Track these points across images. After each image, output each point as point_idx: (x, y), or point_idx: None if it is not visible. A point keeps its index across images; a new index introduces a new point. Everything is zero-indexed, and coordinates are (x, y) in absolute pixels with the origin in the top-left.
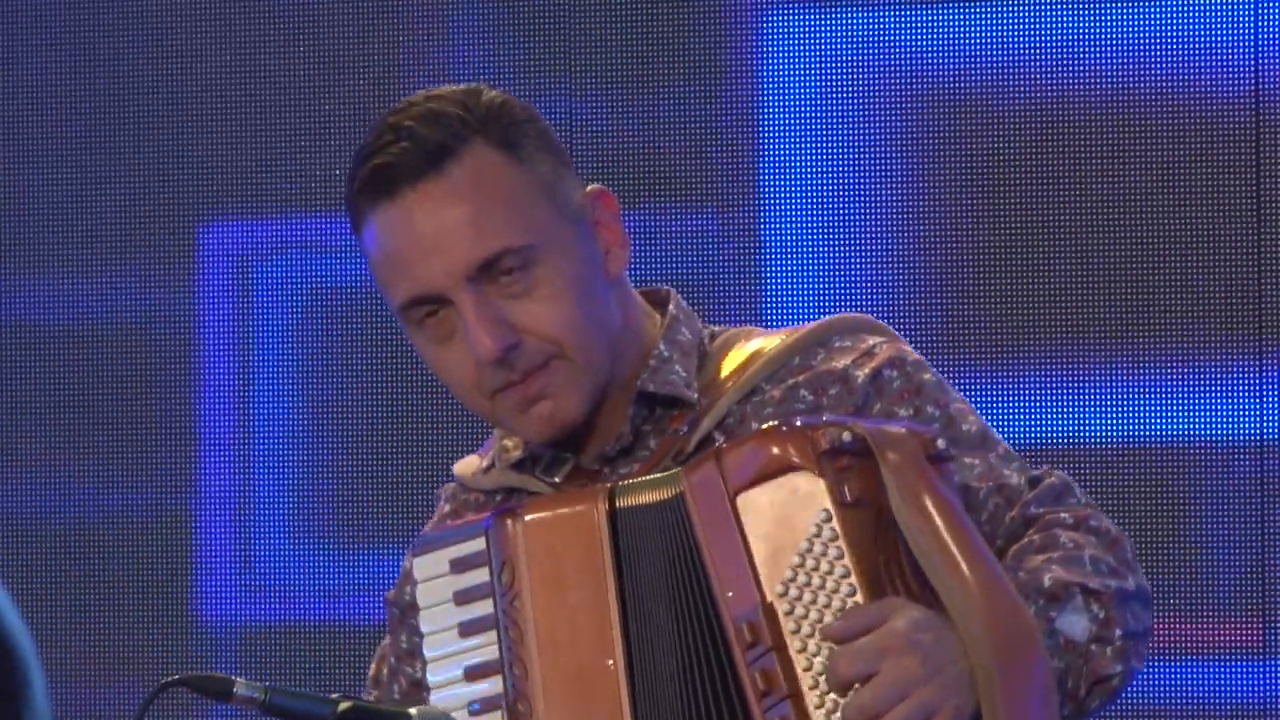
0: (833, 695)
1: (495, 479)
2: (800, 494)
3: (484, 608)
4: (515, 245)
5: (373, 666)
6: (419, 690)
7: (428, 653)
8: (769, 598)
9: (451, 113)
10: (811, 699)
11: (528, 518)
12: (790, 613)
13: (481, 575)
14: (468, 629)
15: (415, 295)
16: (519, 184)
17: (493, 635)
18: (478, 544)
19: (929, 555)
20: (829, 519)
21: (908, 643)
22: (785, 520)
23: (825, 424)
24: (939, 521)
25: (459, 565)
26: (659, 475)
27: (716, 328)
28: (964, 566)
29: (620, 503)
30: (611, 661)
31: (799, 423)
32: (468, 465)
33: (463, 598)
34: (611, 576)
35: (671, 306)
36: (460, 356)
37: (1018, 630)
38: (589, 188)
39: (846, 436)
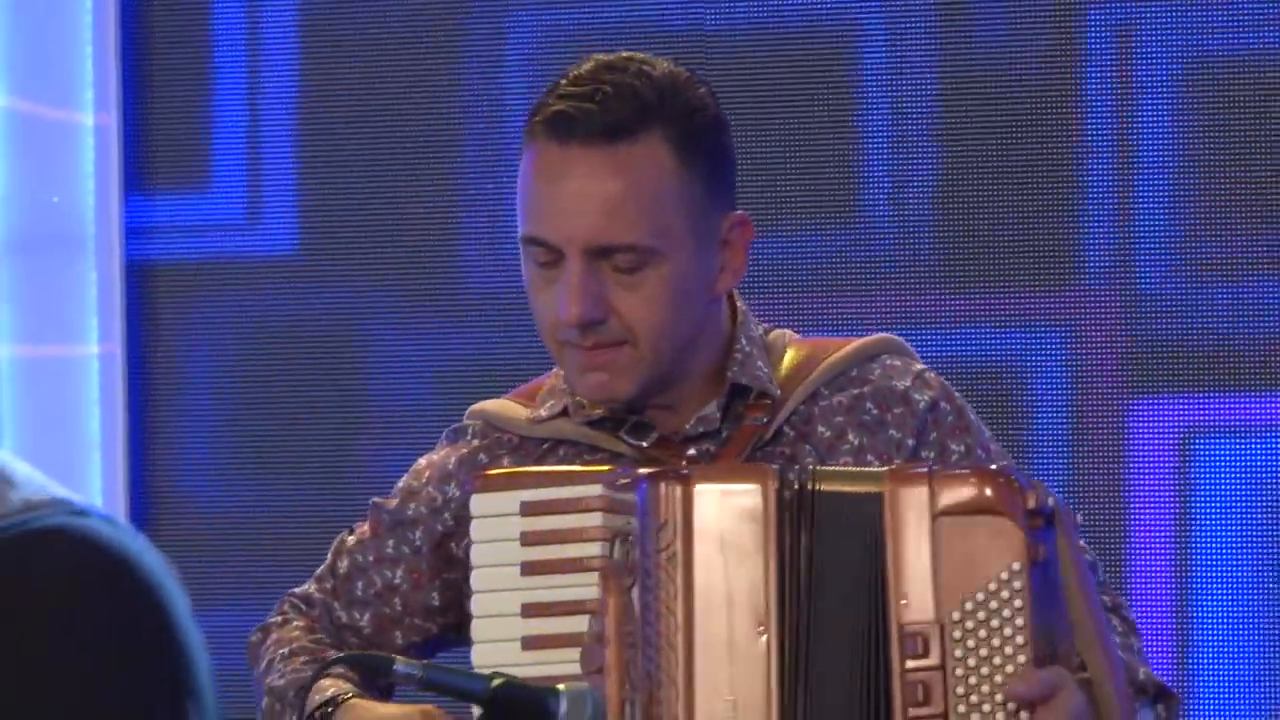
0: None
1: (554, 429)
2: (999, 540)
3: (557, 552)
4: (640, 244)
5: (330, 558)
6: (392, 594)
7: (478, 584)
8: (943, 619)
9: (648, 96)
10: None
11: (698, 486)
12: (959, 640)
13: (568, 521)
14: (530, 569)
15: (537, 238)
16: (671, 188)
17: (562, 579)
18: (589, 491)
19: (1082, 628)
20: (1019, 571)
21: (1067, 705)
22: (977, 558)
23: (1033, 484)
24: (1086, 601)
25: (537, 509)
26: (858, 470)
27: (758, 323)
28: (1103, 647)
29: (801, 485)
30: (763, 631)
31: (1010, 473)
32: (506, 408)
33: (532, 539)
34: (774, 552)
35: (739, 301)
36: (551, 301)
37: (1129, 715)
38: (735, 213)
39: (1050, 501)
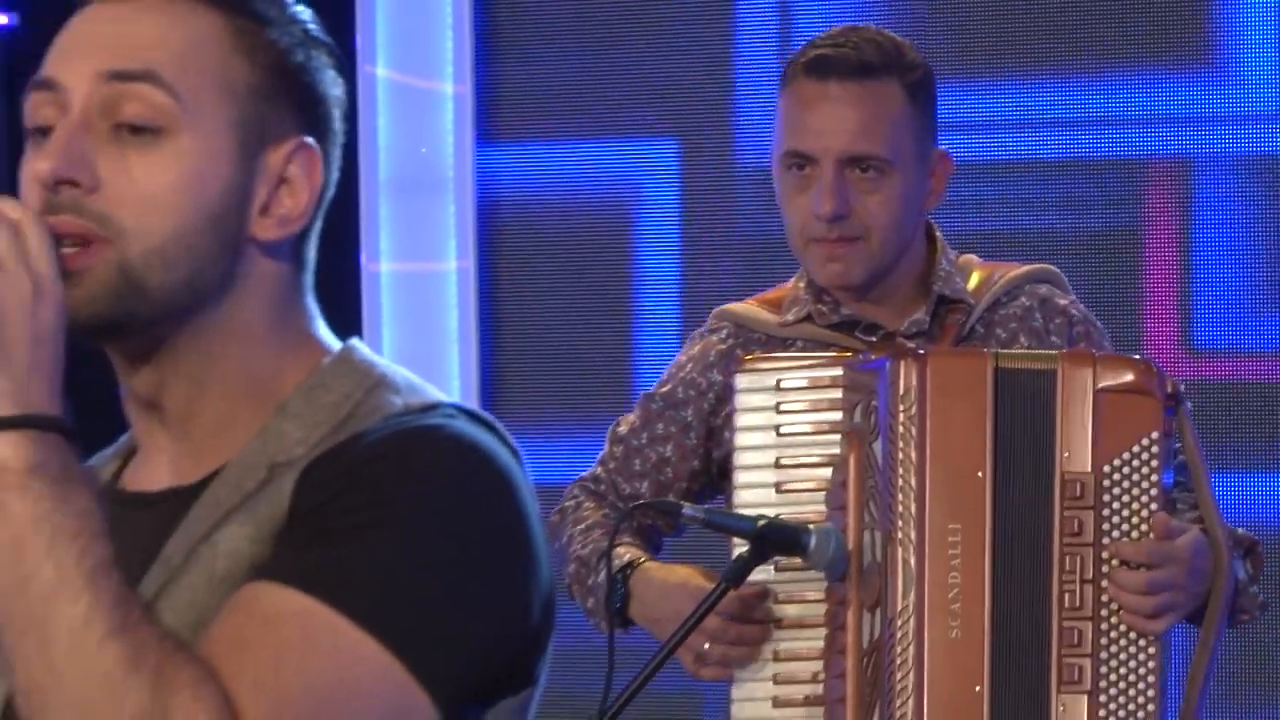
0: (1118, 562)
1: (799, 330)
2: (1143, 414)
3: (807, 419)
4: (882, 156)
5: (607, 445)
6: (665, 465)
7: (741, 443)
8: (1097, 471)
9: (887, 48)
10: (1103, 553)
11: (933, 362)
12: (1108, 488)
13: (816, 395)
14: (784, 433)
15: (798, 150)
16: (905, 120)
17: (811, 439)
18: (831, 373)
19: (1199, 484)
20: (1155, 441)
21: (1188, 556)
22: (1125, 427)
23: (1167, 374)
24: (1200, 463)
25: (790, 386)
26: (1040, 353)
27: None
28: (1212, 500)
29: (1002, 364)
30: (981, 473)
31: (1154, 364)
32: (754, 311)
33: (786, 409)
34: (990, 411)
35: (937, 231)
36: (803, 204)
37: (1228, 563)
38: (939, 149)
39: (1182, 388)
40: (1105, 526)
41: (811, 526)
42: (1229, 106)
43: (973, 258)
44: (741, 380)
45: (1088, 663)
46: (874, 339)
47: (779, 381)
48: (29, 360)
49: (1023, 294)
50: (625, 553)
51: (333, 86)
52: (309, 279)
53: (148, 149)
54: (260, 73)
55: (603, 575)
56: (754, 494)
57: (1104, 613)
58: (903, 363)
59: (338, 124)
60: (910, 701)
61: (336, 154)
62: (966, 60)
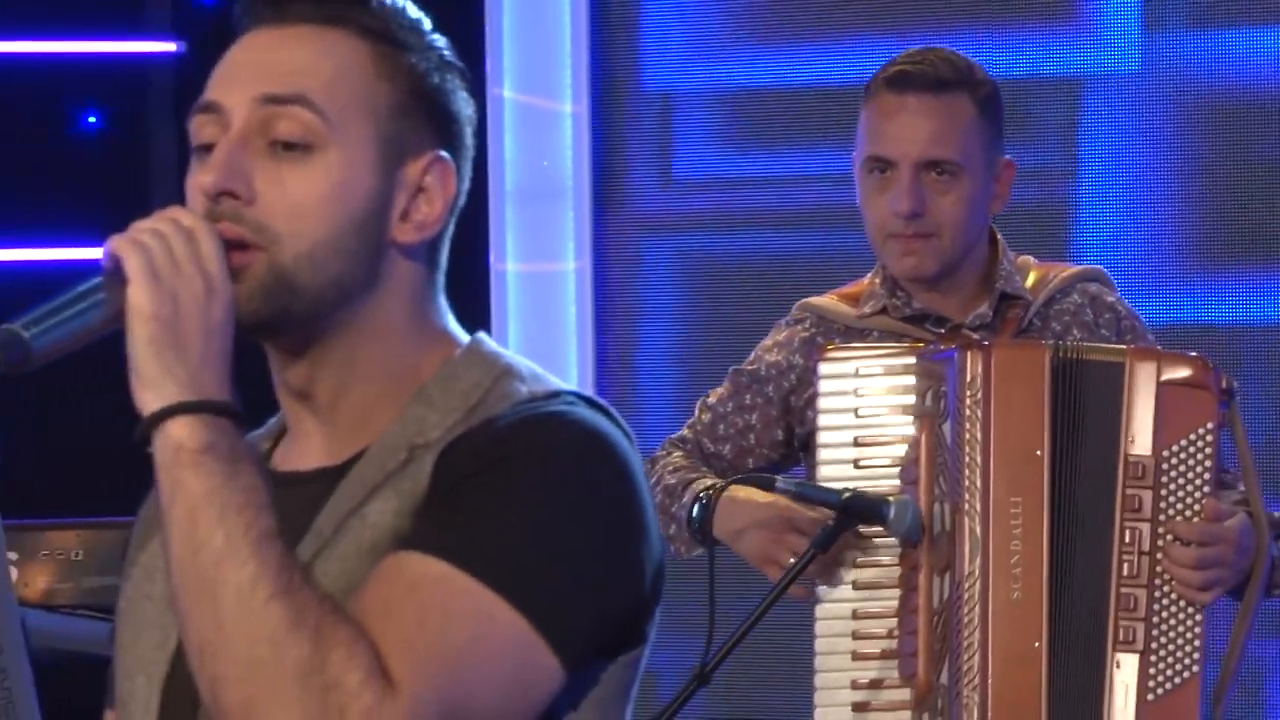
0: (1172, 538)
1: (874, 322)
2: (1200, 406)
3: (882, 402)
4: (954, 160)
5: (697, 411)
6: (748, 431)
7: (823, 424)
8: (1157, 455)
9: (960, 65)
10: (1159, 529)
11: (997, 352)
12: (1165, 471)
13: (898, 379)
14: (861, 415)
15: (879, 155)
16: (975, 130)
17: (886, 419)
18: (905, 361)
19: (1247, 477)
20: (1209, 431)
21: (1235, 537)
22: (1184, 417)
23: (1222, 372)
24: (1247, 452)
25: (868, 372)
26: (1108, 346)
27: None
28: (1257, 485)
29: (1063, 355)
30: (1040, 451)
31: (1210, 362)
32: (833, 304)
33: (863, 393)
34: (1048, 397)
35: (998, 234)
36: (883, 204)
37: (1268, 544)
38: (1004, 158)
39: (1236, 385)
40: (1162, 505)
41: (890, 499)
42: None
43: (1029, 259)
44: (824, 368)
45: (1141, 626)
46: (942, 330)
47: (858, 369)
48: (202, 352)
49: (1075, 292)
50: (708, 480)
51: (464, 106)
52: (441, 279)
53: (299, 163)
54: (400, 94)
55: (685, 499)
56: (834, 469)
57: (1157, 582)
58: (969, 353)
59: (469, 139)
60: (976, 656)
61: (467, 167)
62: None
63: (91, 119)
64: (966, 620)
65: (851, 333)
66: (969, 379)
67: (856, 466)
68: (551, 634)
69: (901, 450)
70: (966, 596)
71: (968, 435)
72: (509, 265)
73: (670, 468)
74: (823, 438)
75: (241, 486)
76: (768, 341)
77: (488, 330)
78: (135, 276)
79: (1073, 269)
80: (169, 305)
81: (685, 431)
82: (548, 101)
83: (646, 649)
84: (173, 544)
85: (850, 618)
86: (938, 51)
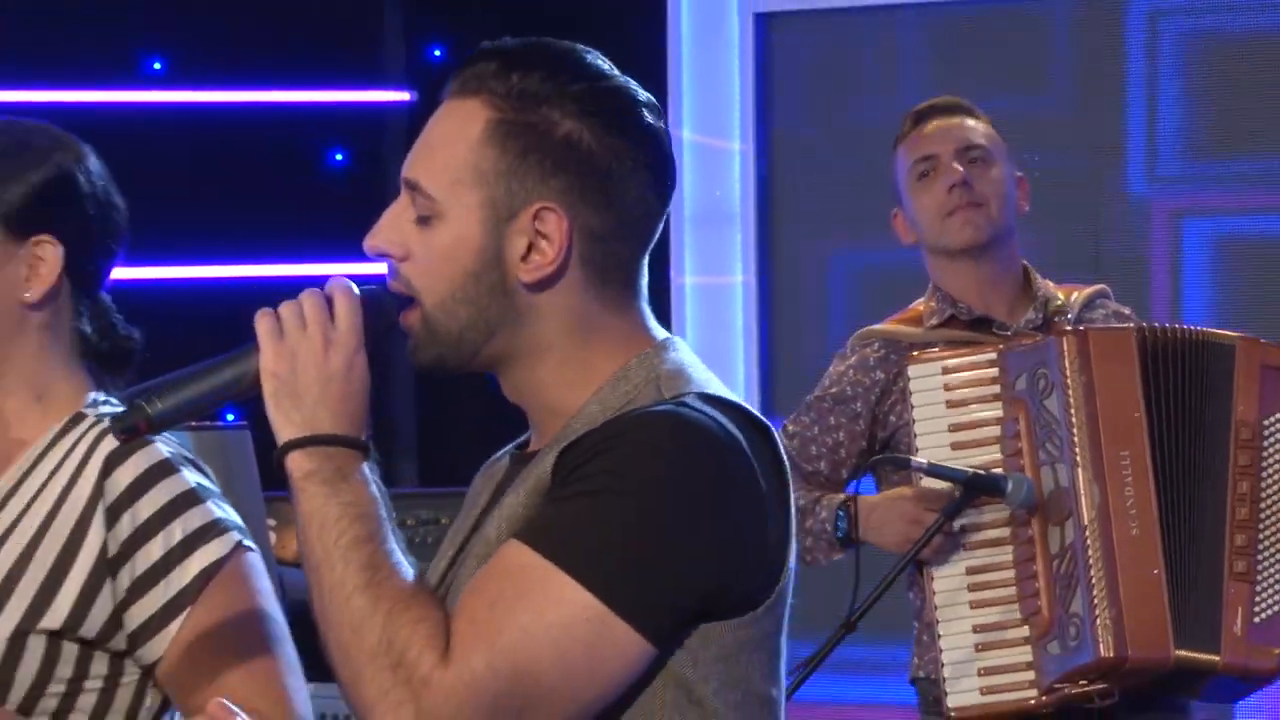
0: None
1: (940, 334)
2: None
3: (971, 393)
4: (985, 146)
5: (784, 441)
6: (838, 447)
7: (919, 416)
8: (1261, 421)
9: (971, 101)
10: (1262, 481)
11: (1091, 335)
12: (1267, 435)
13: (982, 372)
14: (953, 404)
15: (924, 154)
16: (997, 137)
17: (976, 407)
18: (986, 356)
19: None
20: None
21: None
22: (1273, 396)
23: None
24: None
25: (954, 369)
26: (1221, 332)
27: None
28: None
29: (1148, 336)
30: (1137, 413)
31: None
32: (894, 328)
33: (953, 386)
34: (1139, 368)
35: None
36: (936, 189)
37: None
38: (1020, 174)
39: None
40: (1265, 461)
41: (1007, 475)
42: None
43: (1048, 281)
44: (914, 369)
45: (1250, 561)
46: (1008, 333)
47: (944, 367)
48: (318, 396)
49: (1098, 305)
50: (839, 496)
51: (603, 150)
52: (613, 292)
53: (426, 231)
54: (511, 156)
55: (821, 515)
56: (933, 454)
57: (1261, 525)
58: (1066, 339)
59: (615, 179)
60: (1105, 584)
61: (609, 207)
62: None
63: (338, 157)
64: (1093, 558)
65: (918, 347)
66: (1069, 359)
67: (953, 449)
68: (626, 610)
69: (992, 430)
70: (1090, 537)
71: (1073, 404)
72: (687, 279)
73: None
74: (919, 428)
75: (339, 503)
76: (838, 369)
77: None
78: (263, 342)
79: (1090, 288)
80: (286, 363)
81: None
82: (720, 141)
83: (760, 610)
84: (300, 554)
85: (965, 574)
86: (948, 97)
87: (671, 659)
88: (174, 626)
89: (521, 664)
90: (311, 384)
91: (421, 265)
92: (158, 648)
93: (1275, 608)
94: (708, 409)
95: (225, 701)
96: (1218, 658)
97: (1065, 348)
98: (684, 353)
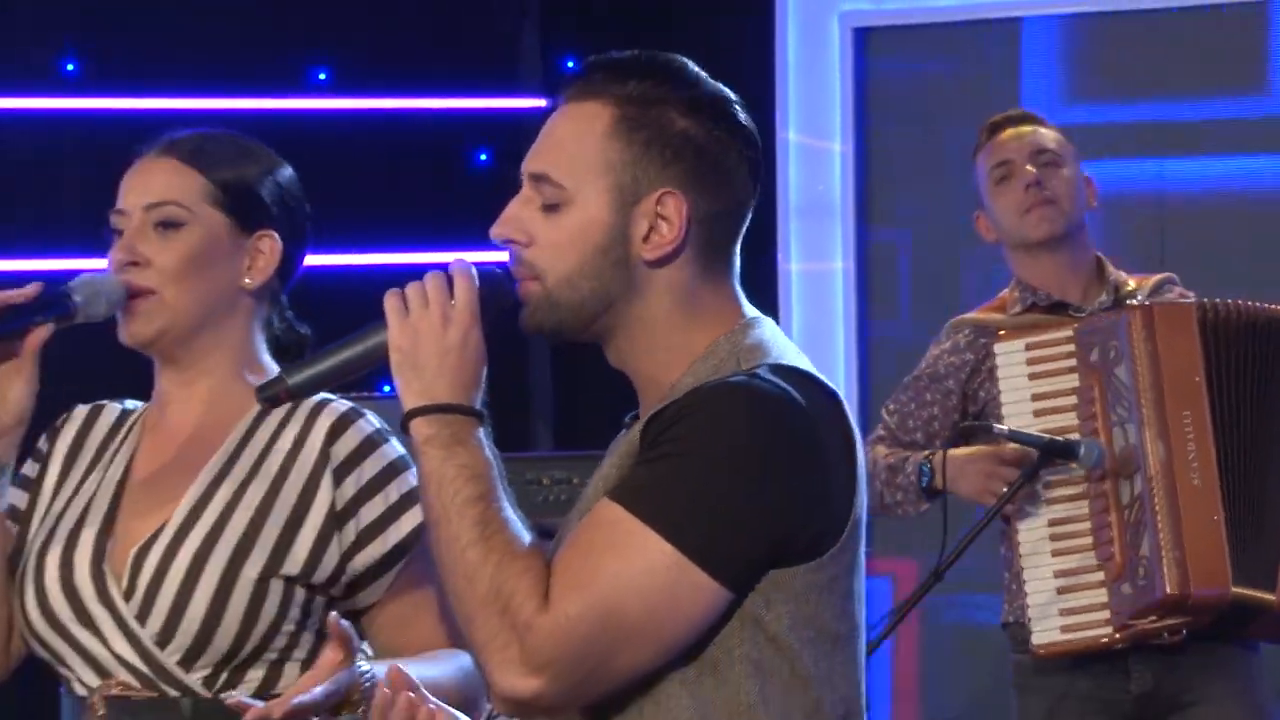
0: None
1: (1025, 319)
2: None
3: (1051, 365)
4: (1055, 150)
5: (884, 418)
6: (932, 420)
7: (1004, 387)
8: None
9: (1037, 115)
10: None
11: (1156, 309)
12: None
13: (1060, 348)
14: (1034, 376)
15: (1000, 160)
16: (1064, 140)
17: (1056, 378)
18: (1064, 334)
19: None
20: None
21: None
22: None
23: None
24: None
25: (1036, 345)
26: (1273, 306)
27: None
28: None
29: (1208, 310)
30: (1198, 378)
31: None
32: (984, 316)
33: (1034, 361)
34: (1199, 339)
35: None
36: (1014, 188)
37: None
38: (1087, 174)
39: None
40: None
41: (1080, 440)
42: None
43: (1119, 271)
44: (1000, 347)
45: None
46: (1083, 314)
47: (1026, 344)
48: (437, 368)
49: (1165, 290)
50: (924, 452)
51: (713, 143)
52: (715, 272)
53: (553, 216)
54: (637, 148)
55: (908, 470)
56: (1018, 421)
57: None
58: (1134, 314)
59: (724, 169)
60: (1170, 528)
61: (715, 191)
62: None
63: (482, 157)
64: (1159, 506)
65: (1003, 330)
66: (1136, 331)
67: (1035, 416)
68: (703, 559)
69: (1069, 399)
70: (1156, 487)
71: (1139, 371)
72: (792, 265)
73: (884, 455)
74: (1005, 399)
75: (455, 465)
76: (933, 352)
77: (777, 315)
78: (389, 319)
79: (1158, 275)
80: (409, 337)
81: (880, 432)
82: (821, 142)
83: (832, 557)
84: (422, 511)
85: (1047, 525)
86: (1020, 109)
87: (746, 601)
88: (389, 576)
89: (611, 608)
90: (431, 357)
91: (547, 247)
92: (374, 594)
93: None
94: (776, 379)
95: (403, 668)
96: (1273, 596)
97: (1133, 321)
98: (767, 329)
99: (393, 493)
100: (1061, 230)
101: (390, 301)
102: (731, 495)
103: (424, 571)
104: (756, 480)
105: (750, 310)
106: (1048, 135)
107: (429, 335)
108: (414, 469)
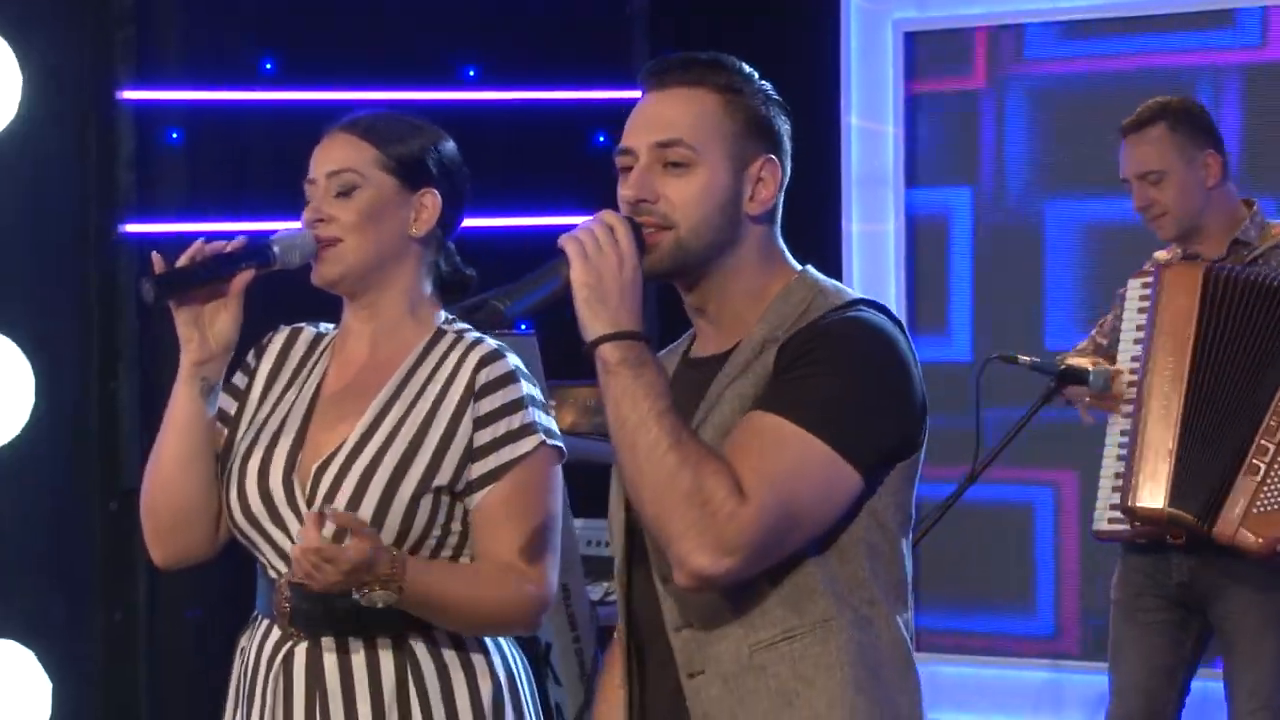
0: None
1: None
2: None
3: (1144, 303)
4: (1156, 169)
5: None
6: (1114, 332)
7: (1124, 325)
8: None
9: (1160, 106)
10: None
11: (1171, 268)
12: None
13: (1143, 291)
14: (1138, 310)
15: (1124, 177)
16: (1171, 145)
17: (1140, 319)
18: (1144, 280)
19: None
20: None
21: None
22: None
23: None
24: None
25: (1136, 287)
26: (1267, 273)
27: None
28: None
29: (1215, 273)
30: (1189, 331)
31: None
32: (1161, 256)
33: (1131, 298)
34: (1199, 297)
35: (1255, 203)
36: (1136, 196)
37: None
38: (1210, 152)
39: None
40: None
41: (1092, 368)
42: None
43: (1276, 223)
44: (1123, 290)
45: (1265, 464)
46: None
47: (1141, 283)
48: (618, 301)
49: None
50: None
51: (782, 124)
52: (778, 231)
53: (683, 176)
54: (740, 124)
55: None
56: (1126, 349)
57: None
58: (1163, 270)
59: (787, 143)
60: (1138, 451)
61: (787, 159)
62: None
63: (600, 139)
64: (1139, 429)
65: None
66: (1161, 286)
67: (1133, 344)
68: (850, 454)
69: (1136, 334)
70: (1138, 419)
71: (1154, 321)
72: (854, 226)
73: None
74: (1123, 326)
75: (645, 382)
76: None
77: (841, 270)
78: (573, 260)
79: None
80: (594, 275)
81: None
82: (877, 125)
83: (918, 454)
84: (610, 423)
85: (1119, 434)
86: (1149, 104)
87: (867, 490)
88: (490, 489)
89: (790, 498)
90: (613, 291)
91: (679, 203)
92: (477, 500)
93: (1277, 505)
94: (875, 312)
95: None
96: (1204, 524)
97: (1161, 279)
98: (820, 274)
99: (510, 424)
100: (1176, 233)
101: (570, 245)
102: (865, 401)
103: (513, 495)
104: (882, 389)
105: (795, 261)
106: (1150, 154)
107: (610, 273)
108: (530, 409)
